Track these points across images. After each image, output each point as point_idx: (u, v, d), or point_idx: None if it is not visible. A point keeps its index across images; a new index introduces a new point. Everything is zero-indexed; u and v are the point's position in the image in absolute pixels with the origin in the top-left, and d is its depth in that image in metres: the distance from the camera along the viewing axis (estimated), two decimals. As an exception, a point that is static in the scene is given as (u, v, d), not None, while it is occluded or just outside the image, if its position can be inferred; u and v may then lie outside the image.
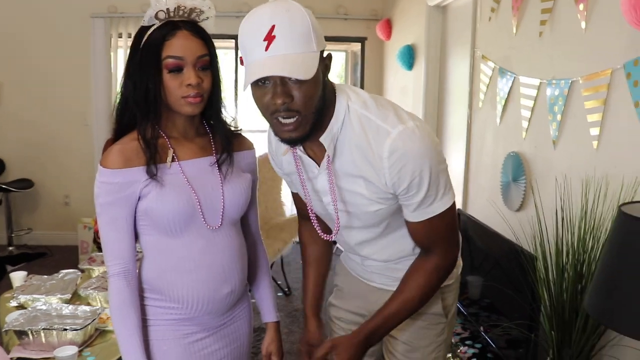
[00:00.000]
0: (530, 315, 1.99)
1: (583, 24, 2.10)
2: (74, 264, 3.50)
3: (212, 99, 1.42)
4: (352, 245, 1.49)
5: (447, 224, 1.32)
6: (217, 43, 1.45)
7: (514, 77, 2.66)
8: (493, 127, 2.93)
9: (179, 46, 1.33)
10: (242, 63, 1.23)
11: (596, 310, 1.32)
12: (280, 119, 1.18)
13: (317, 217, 1.44)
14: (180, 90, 1.34)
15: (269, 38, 1.11)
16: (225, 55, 5.30)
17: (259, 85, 1.16)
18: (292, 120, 1.17)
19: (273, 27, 1.11)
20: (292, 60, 1.11)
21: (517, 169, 2.59)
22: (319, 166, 1.32)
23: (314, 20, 1.17)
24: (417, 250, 1.46)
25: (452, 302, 1.55)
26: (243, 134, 1.58)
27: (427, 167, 1.23)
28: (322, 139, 1.26)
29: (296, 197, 1.57)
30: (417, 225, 1.33)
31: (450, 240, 1.37)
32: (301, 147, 1.31)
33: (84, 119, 5.34)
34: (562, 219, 1.92)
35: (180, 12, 1.36)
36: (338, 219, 1.36)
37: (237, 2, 5.25)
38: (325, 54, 1.21)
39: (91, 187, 5.30)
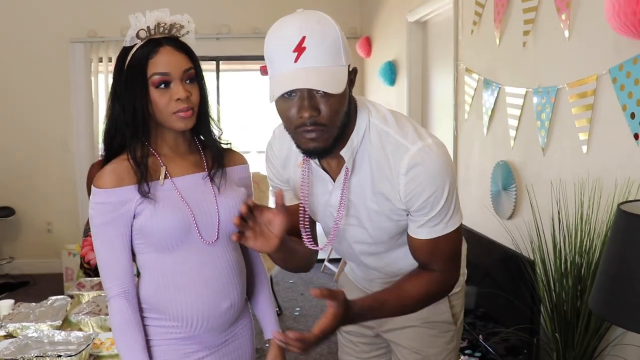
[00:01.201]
0: (530, 319, 1.99)
1: (566, 33, 2.15)
2: (58, 292, 3.42)
3: (200, 113, 1.42)
4: (360, 259, 1.48)
5: (452, 245, 1.30)
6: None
7: (499, 88, 2.70)
8: (480, 138, 2.96)
9: (163, 62, 1.34)
10: (264, 73, 1.23)
11: (601, 308, 1.33)
12: (305, 134, 1.16)
13: (309, 231, 1.42)
14: (170, 106, 1.35)
15: (299, 49, 1.09)
16: (206, 78, 5.29)
17: (284, 98, 1.15)
18: (316, 132, 1.15)
19: (304, 38, 1.09)
20: (322, 73, 1.10)
21: (506, 178, 2.61)
22: (334, 181, 1.31)
23: (343, 33, 1.16)
24: None
25: (460, 309, 1.55)
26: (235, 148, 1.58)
27: (443, 186, 1.23)
28: (342, 152, 1.24)
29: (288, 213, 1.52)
30: (421, 242, 1.30)
31: (453, 261, 1.34)
32: (317, 161, 1.30)
33: (65, 144, 5.29)
34: (559, 222, 1.94)
35: (161, 29, 1.37)
36: (334, 232, 1.35)
37: (218, 24, 5.28)
38: (350, 68, 1.20)
39: (74, 213, 5.24)
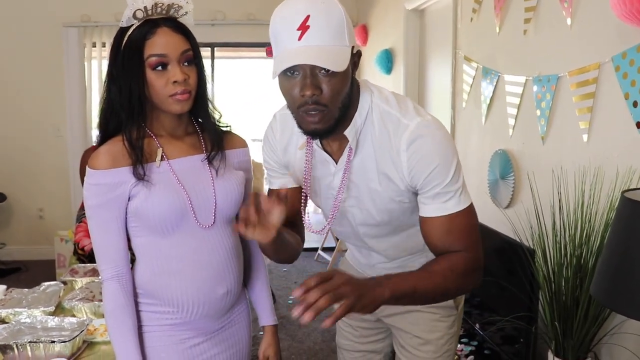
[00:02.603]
0: (529, 308, 1.99)
1: (569, 20, 2.13)
2: (50, 279, 3.39)
3: (198, 95, 1.40)
4: (363, 241, 1.46)
5: (468, 221, 1.26)
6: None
7: (499, 76, 2.68)
8: (478, 127, 2.95)
9: (161, 43, 1.31)
10: (269, 54, 1.22)
11: (602, 295, 1.33)
12: (307, 112, 1.16)
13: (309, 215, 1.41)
14: (167, 88, 1.32)
15: (303, 27, 1.10)
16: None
17: (287, 76, 1.15)
18: (316, 112, 1.15)
19: (308, 17, 1.10)
20: (325, 52, 1.10)
21: (505, 166, 2.60)
22: (337, 163, 1.30)
23: (347, 15, 1.16)
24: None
25: None
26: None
27: (446, 158, 1.22)
28: (347, 132, 1.24)
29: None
30: (435, 223, 1.25)
31: (473, 239, 1.27)
32: (319, 143, 1.29)
33: (57, 130, 5.23)
34: (560, 210, 1.93)
35: (158, 9, 1.34)
36: (333, 212, 1.33)
37: (212, 10, 5.22)
38: (354, 51, 1.20)
39: (66, 199, 5.20)
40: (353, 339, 1.65)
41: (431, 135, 1.21)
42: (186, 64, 1.34)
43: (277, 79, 1.17)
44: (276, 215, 1.15)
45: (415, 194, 1.28)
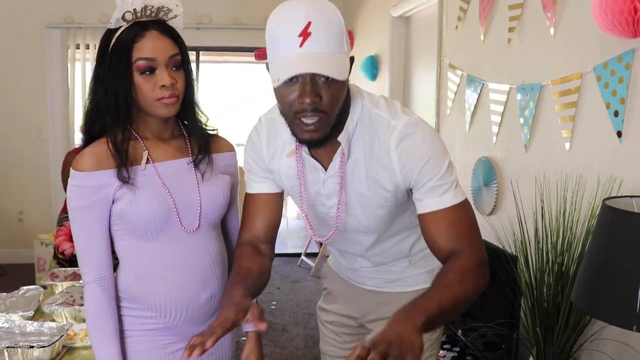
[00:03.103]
0: (511, 314, 2.00)
1: (552, 30, 2.16)
2: (30, 283, 3.33)
3: (186, 99, 1.39)
4: (349, 247, 1.46)
5: (467, 214, 1.25)
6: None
7: (483, 84, 2.71)
8: (462, 134, 2.97)
9: (149, 47, 1.30)
10: (259, 58, 1.21)
11: (583, 302, 1.35)
12: (304, 119, 1.15)
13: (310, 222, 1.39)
14: (154, 92, 1.31)
15: (305, 34, 1.09)
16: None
17: (286, 83, 1.13)
18: (315, 120, 1.15)
19: (309, 23, 1.09)
20: (327, 59, 1.10)
21: (488, 174, 2.62)
22: (326, 169, 1.30)
23: (343, 22, 1.17)
24: (415, 251, 1.44)
25: None
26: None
27: (436, 151, 1.22)
28: (340, 138, 1.24)
29: (262, 202, 1.43)
30: (434, 217, 1.22)
31: (475, 234, 1.25)
32: (307, 150, 1.28)
33: (39, 131, 5.16)
34: (542, 217, 1.95)
35: (148, 12, 1.33)
36: (337, 222, 1.33)
37: (198, 13, 5.20)
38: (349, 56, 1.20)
39: (47, 202, 5.12)
40: (337, 345, 1.64)
41: (420, 132, 1.22)
42: (174, 68, 1.33)
43: (269, 81, 1.16)
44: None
45: (409, 193, 1.28)
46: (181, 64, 1.35)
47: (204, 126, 1.47)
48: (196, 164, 1.42)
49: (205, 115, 1.48)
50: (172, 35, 1.35)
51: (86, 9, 5.00)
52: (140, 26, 1.31)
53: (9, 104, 5.09)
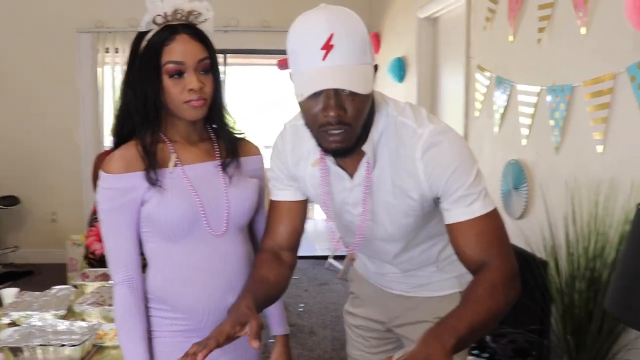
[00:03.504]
0: (541, 320, 1.96)
1: (583, 30, 2.11)
2: (61, 282, 3.40)
3: (214, 103, 1.39)
4: (377, 255, 1.45)
5: (496, 225, 1.22)
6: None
7: (512, 85, 2.66)
8: (491, 136, 2.93)
9: (179, 51, 1.30)
10: (281, 67, 1.20)
11: (617, 310, 1.31)
12: (329, 131, 1.14)
13: (334, 232, 1.38)
14: (182, 95, 1.32)
15: (327, 47, 1.07)
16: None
17: (310, 96, 1.12)
18: (340, 131, 1.13)
19: (332, 35, 1.07)
20: (351, 73, 1.08)
21: (517, 177, 2.58)
22: (352, 178, 1.28)
23: (367, 31, 1.14)
24: (442, 257, 1.42)
25: None
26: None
27: (463, 160, 1.20)
28: (365, 147, 1.22)
29: (285, 210, 1.42)
30: (463, 227, 1.20)
31: (505, 245, 1.22)
32: (332, 158, 1.27)
33: (71, 135, 5.27)
34: (573, 222, 1.91)
35: (178, 16, 1.34)
36: (361, 230, 1.31)
37: (226, 16, 5.24)
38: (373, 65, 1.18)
39: (78, 203, 5.20)
40: (364, 349, 1.63)
41: (446, 140, 1.19)
42: (202, 72, 1.33)
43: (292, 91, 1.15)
44: None
45: (436, 202, 1.25)
46: (210, 68, 1.35)
47: (231, 129, 1.48)
48: (224, 167, 1.42)
49: (233, 119, 1.48)
50: (202, 39, 1.35)
51: (116, 13, 5.09)
52: (170, 30, 1.32)
53: (41, 108, 5.21)
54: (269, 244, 1.41)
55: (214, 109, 1.40)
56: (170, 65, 1.30)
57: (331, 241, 1.39)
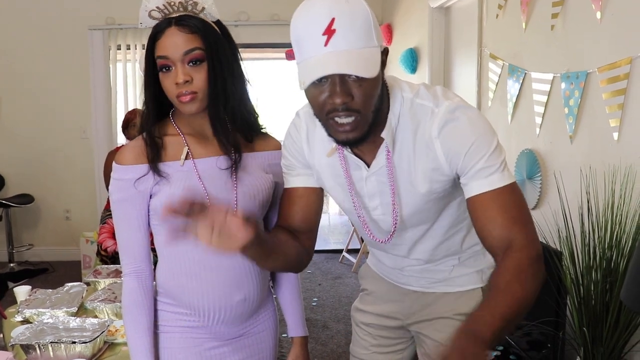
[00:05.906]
0: (556, 313, 1.92)
1: (598, 14, 2.06)
2: (76, 279, 3.42)
3: (214, 95, 1.33)
4: (394, 246, 1.40)
5: (517, 198, 1.17)
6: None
7: (525, 74, 2.61)
8: (504, 126, 2.88)
9: (164, 45, 1.29)
10: (289, 58, 1.17)
11: (633, 302, 1.27)
12: (337, 119, 1.10)
13: (367, 224, 1.34)
14: (173, 90, 1.30)
15: (329, 32, 1.03)
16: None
17: (315, 84, 1.09)
18: (350, 119, 1.09)
19: (333, 20, 1.03)
20: (355, 57, 1.04)
21: (531, 166, 2.53)
22: (369, 166, 1.25)
23: (372, 12, 1.10)
24: (465, 246, 1.38)
25: None
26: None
27: (481, 133, 1.15)
28: (383, 134, 1.18)
29: (297, 195, 1.37)
30: (483, 200, 1.14)
31: (527, 221, 1.16)
32: (349, 148, 1.23)
33: (83, 132, 5.29)
34: (588, 212, 1.86)
35: (175, 8, 1.31)
36: (395, 218, 1.27)
37: (236, 11, 5.23)
38: (382, 49, 1.13)
39: (92, 201, 5.22)
40: (371, 349, 1.58)
41: (462, 115, 1.15)
42: (191, 64, 1.29)
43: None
44: (240, 238, 1.05)
45: (456, 181, 1.21)
46: (202, 59, 1.30)
47: (248, 123, 1.42)
48: (235, 162, 1.38)
49: (256, 113, 1.44)
50: (196, 29, 1.30)
51: (127, 10, 5.08)
52: (164, 23, 1.30)
53: (54, 106, 5.24)
54: (282, 225, 1.36)
55: (214, 103, 1.35)
56: (159, 60, 1.29)
57: (365, 232, 1.33)
